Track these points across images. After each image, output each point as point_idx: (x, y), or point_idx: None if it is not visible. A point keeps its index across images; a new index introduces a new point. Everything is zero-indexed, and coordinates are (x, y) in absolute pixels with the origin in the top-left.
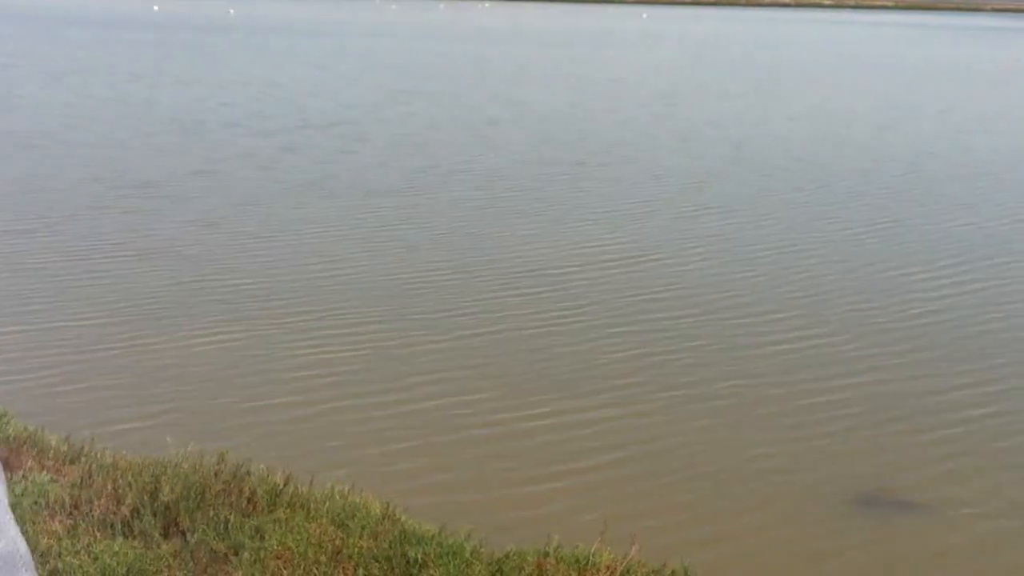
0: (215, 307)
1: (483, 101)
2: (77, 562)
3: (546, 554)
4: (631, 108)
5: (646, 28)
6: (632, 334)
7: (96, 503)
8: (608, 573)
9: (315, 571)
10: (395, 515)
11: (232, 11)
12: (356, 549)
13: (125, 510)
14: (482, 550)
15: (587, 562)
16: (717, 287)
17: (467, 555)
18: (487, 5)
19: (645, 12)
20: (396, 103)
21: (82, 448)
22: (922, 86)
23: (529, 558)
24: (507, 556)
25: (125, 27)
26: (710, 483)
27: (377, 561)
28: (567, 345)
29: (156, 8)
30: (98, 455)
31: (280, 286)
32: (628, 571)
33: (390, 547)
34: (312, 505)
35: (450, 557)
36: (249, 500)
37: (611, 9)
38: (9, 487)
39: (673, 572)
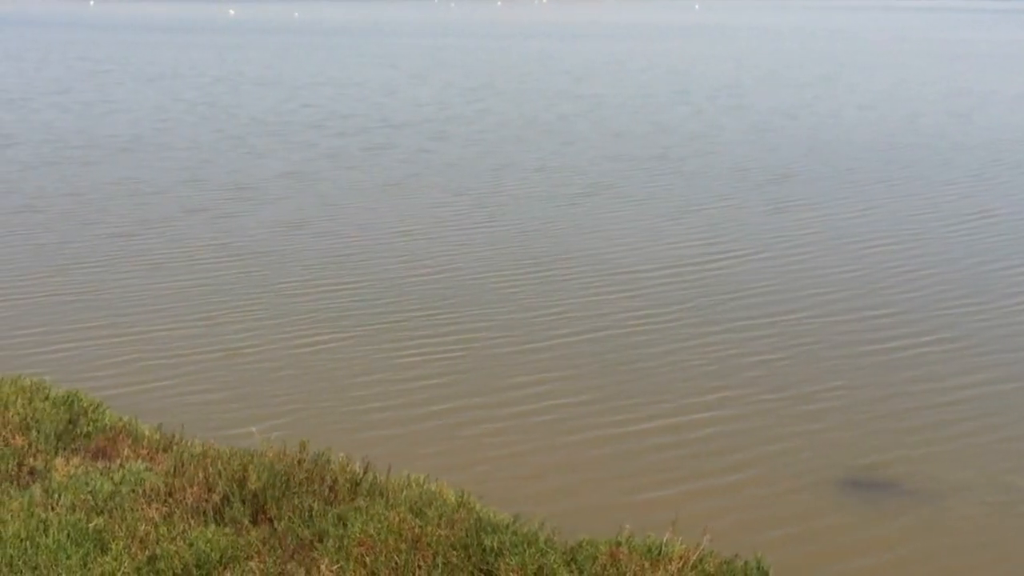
0: (303, 306)
1: (552, 96)
2: (174, 548)
3: (619, 543)
4: (700, 100)
5: (699, 20)
6: (725, 334)
7: (189, 491)
8: (681, 563)
9: (395, 559)
10: (470, 503)
11: (297, 14)
12: (434, 537)
13: (216, 498)
14: (556, 539)
15: (659, 552)
16: (812, 285)
17: (541, 544)
18: (544, 1)
19: (697, 3)
20: (468, 100)
21: (173, 437)
22: (989, 71)
23: (602, 547)
24: (580, 545)
25: (203, 31)
26: (786, 480)
27: (454, 549)
28: (658, 345)
29: (232, 12)
30: (189, 444)
31: (365, 286)
32: (701, 561)
33: (466, 535)
34: (390, 493)
35: (525, 546)
36: (331, 488)
37: (663, 1)
38: (108, 475)
39: (746, 563)
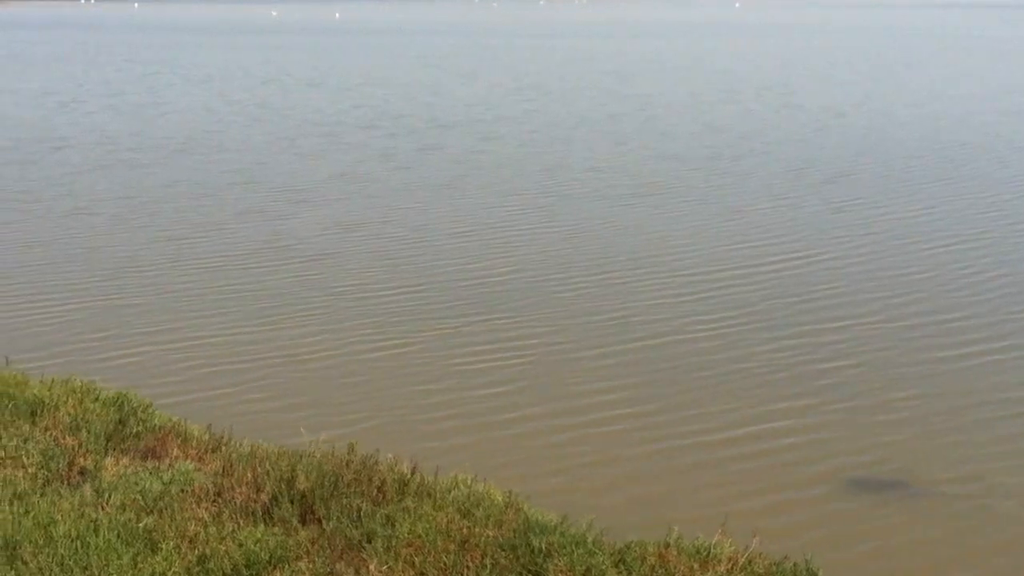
0: (358, 310)
1: (600, 96)
2: (223, 548)
3: (667, 545)
4: (748, 98)
5: (741, 18)
6: (793, 339)
7: (237, 491)
8: (730, 564)
9: (444, 559)
10: (518, 504)
11: (338, 15)
12: (482, 538)
13: (264, 497)
14: (604, 540)
15: (708, 553)
16: (878, 287)
17: (590, 545)
18: (585, 0)
19: (737, 2)
20: (516, 100)
21: (222, 438)
22: None
23: (650, 549)
24: (629, 547)
25: (247, 32)
26: (863, 495)
27: (503, 550)
28: (723, 352)
29: (274, 14)
30: (237, 444)
31: (420, 290)
32: (750, 563)
33: (515, 536)
34: (438, 494)
35: (573, 547)
36: (379, 489)
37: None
38: (157, 475)
39: (795, 565)
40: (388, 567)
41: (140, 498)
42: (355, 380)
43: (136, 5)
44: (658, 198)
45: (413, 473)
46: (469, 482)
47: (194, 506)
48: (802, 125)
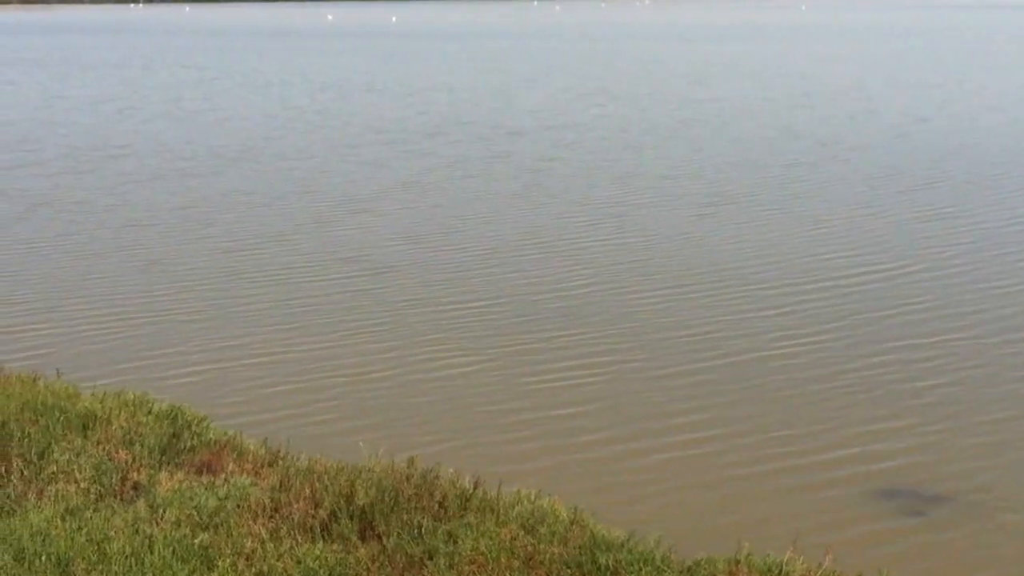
0: (425, 324)
1: (670, 101)
2: (281, 565)
3: (737, 562)
4: (824, 103)
5: (808, 20)
6: (886, 355)
7: (295, 506)
8: None
9: None
10: (583, 520)
11: (394, 18)
12: (547, 555)
13: (323, 513)
14: (672, 556)
15: (780, 570)
16: (974, 300)
17: (658, 562)
18: (647, 2)
19: (804, 4)
20: (584, 105)
21: (278, 452)
22: None
23: (720, 565)
24: (698, 564)
25: (303, 37)
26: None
27: (568, 567)
28: (812, 369)
29: (330, 17)
30: (294, 459)
31: (490, 303)
32: None
33: (580, 553)
34: (501, 509)
35: (641, 564)
36: (440, 504)
37: (769, 1)
38: (212, 490)
39: None
40: None
41: (195, 514)
42: (420, 398)
43: (187, 8)
44: (735, 207)
45: (475, 488)
46: (533, 497)
47: (250, 522)
48: (881, 130)
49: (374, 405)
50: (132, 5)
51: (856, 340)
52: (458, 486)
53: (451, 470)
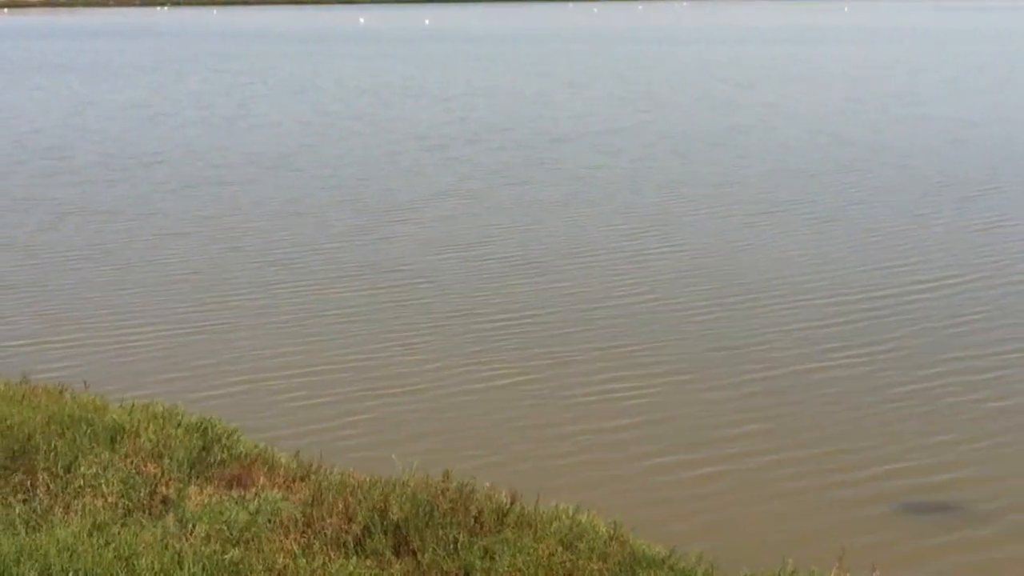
0: (468, 337)
1: (717, 106)
2: None
3: None
4: (874, 108)
5: (851, 22)
6: (948, 376)
7: (328, 521)
8: None
9: None
10: (623, 536)
11: (428, 21)
12: (586, 571)
13: (356, 528)
14: (714, 573)
15: None
16: None
17: None
18: (685, 4)
19: (846, 5)
20: (629, 111)
21: (311, 466)
22: None
23: None
24: None
25: (335, 40)
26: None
27: None
28: (871, 388)
29: (362, 20)
30: (327, 473)
31: (535, 316)
32: None
33: (620, 569)
34: (539, 525)
35: None
36: (476, 519)
37: (809, 4)
38: (243, 504)
39: None
40: None
41: (226, 529)
42: (458, 411)
43: (215, 12)
44: (785, 216)
45: (512, 503)
46: (571, 512)
47: (282, 537)
48: (934, 136)
49: (411, 419)
50: (159, 8)
51: (910, 353)
52: (495, 500)
53: (487, 484)
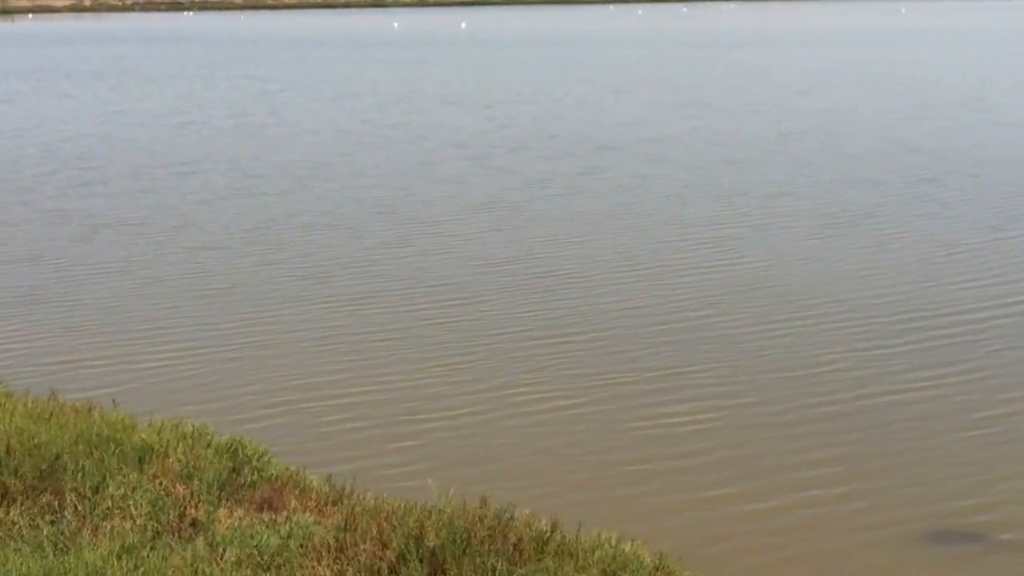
0: (515, 358)
1: (773, 112)
2: None
3: None
4: (943, 114)
5: (909, 24)
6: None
7: (361, 547)
8: None
9: None
10: (669, 567)
11: (464, 24)
12: None
13: (391, 555)
14: None
15: None
16: None
17: None
18: (732, 6)
19: (903, 7)
20: (679, 117)
21: (343, 490)
22: None
23: None
24: None
25: (368, 45)
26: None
27: None
28: (954, 416)
29: (396, 24)
30: (360, 497)
31: (586, 338)
32: None
33: None
34: (580, 554)
35: None
36: (515, 547)
37: (863, 5)
38: (274, 528)
39: None
40: None
41: (256, 553)
42: (500, 438)
43: (242, 16)
44: (851, 229)
45: (553, 531)
46: (614, 542)
47: (315, 563)
48: (1009, 144)
49: (448, 443)
50: (185, 13)
51: (987, 377)
52: (534, 528)
53: (527, 512)
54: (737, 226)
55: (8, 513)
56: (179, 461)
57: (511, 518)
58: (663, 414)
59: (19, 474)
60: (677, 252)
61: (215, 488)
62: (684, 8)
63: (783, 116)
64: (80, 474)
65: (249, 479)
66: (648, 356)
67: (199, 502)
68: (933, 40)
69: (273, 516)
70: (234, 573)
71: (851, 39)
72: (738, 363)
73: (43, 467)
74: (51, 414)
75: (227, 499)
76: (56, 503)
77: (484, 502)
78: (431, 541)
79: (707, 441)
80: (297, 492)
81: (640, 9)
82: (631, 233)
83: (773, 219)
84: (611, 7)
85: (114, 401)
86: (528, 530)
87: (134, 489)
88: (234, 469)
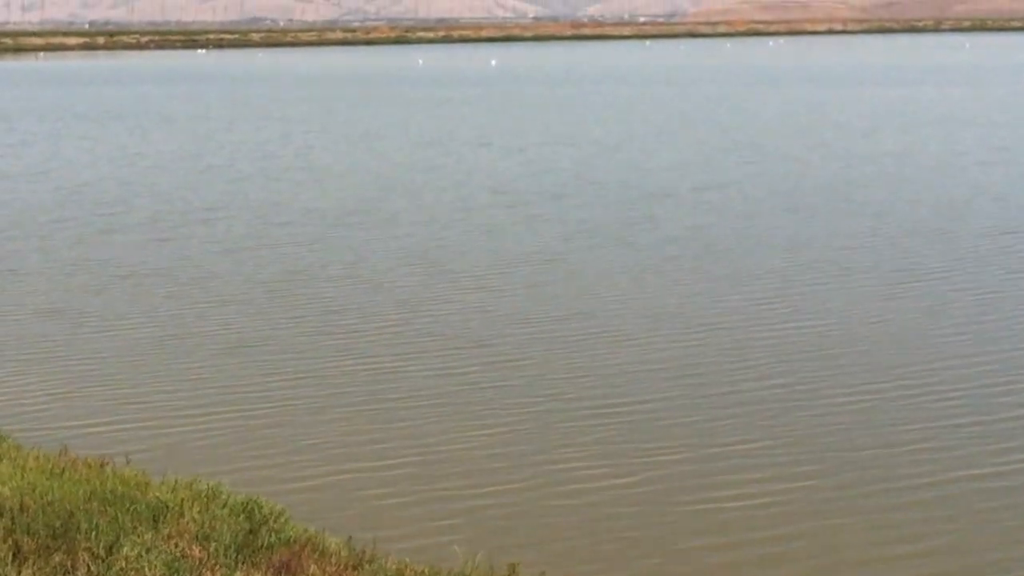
0: (556, 421)
1: (834, 155)
2: None
3: None
4: (1019, 158)
5: (975, 60)
6: None
7: None
8: None
9: None
10: None
11: (494, 62)
12: None
13: None
14: None
15: None
16: None
17: None
18: (771, 44)
19: (967, 42)
20: (731, 161)
21: (364, 553)
22: None
23: None
24: None
25: (393, 83)
26: None
27: None
28: None
29: (421, 62)
30: (382, 562)
31: (638, 402)
32: None
33: None
34: None
35: None
36: None
37: (922, 39)
38: None
39: None
40: None
41: None
42: (533, 509)
43: (259, 53)
44: (931, 285)
45: None
46: None
47: None
48: None
49: (477, 510)
50: (200, 51)
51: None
52: None
53: None
54: (803, 282)
55: (20, 574)
56: (194, 521)
57: None
58: (720, 497)
59: (31, 532)
60: (737, 312)
61: (232, 550)
62: (728, 44)
63: (848, 160)
64: (94, 533)
65: (266, 541)
66: (703, 426)
67: (216, 565)
68: (1002, 77)
69: None
70: None
71: (914, 77)
72: (809, 437)
73: (56, 525)
74: (63, 469)
75: (244, 562)
76: (69, 563)
77: (513, 569)
78: None
79: (768, 529)
80: (316, 556)
81: (682, 44)
82: (686, 288)
83: (843, 274)
84: (647, 41)
85: (127, 457)
86: None
87: (148, 550)
88: (251, 530)
